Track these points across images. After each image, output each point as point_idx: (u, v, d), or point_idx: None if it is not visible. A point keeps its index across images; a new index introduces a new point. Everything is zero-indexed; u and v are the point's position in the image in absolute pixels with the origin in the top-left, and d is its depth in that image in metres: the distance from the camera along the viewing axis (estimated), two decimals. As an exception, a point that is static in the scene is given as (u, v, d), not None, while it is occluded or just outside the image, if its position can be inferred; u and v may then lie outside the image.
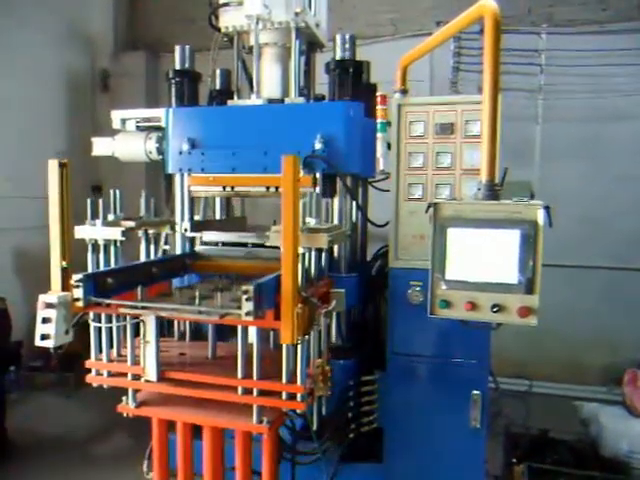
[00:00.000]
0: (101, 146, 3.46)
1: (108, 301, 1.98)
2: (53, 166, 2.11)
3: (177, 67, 3.12)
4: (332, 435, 2.54)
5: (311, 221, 2.23)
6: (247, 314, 1.75)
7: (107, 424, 4.84)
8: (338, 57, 2.82)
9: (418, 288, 2.61)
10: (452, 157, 2.56)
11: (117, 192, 2.50)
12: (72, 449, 4.59)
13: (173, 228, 2.74)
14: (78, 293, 1.94)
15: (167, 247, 3.09)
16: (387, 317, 2.75)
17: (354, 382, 2.74)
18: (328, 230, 2.15)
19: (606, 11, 5.44)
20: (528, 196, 4.14)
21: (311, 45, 3.29)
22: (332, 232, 2.15)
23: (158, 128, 3.21)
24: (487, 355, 2.61)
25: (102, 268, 2.30)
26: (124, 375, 2.18)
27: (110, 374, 2.21)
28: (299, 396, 1.97)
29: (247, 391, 2.02)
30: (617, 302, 5.42)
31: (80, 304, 1.94)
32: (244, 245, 2.87)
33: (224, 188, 2.88)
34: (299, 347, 1.94)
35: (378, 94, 2.64)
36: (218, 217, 3.52)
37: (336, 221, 2.81)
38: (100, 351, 2.22)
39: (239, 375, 2.00)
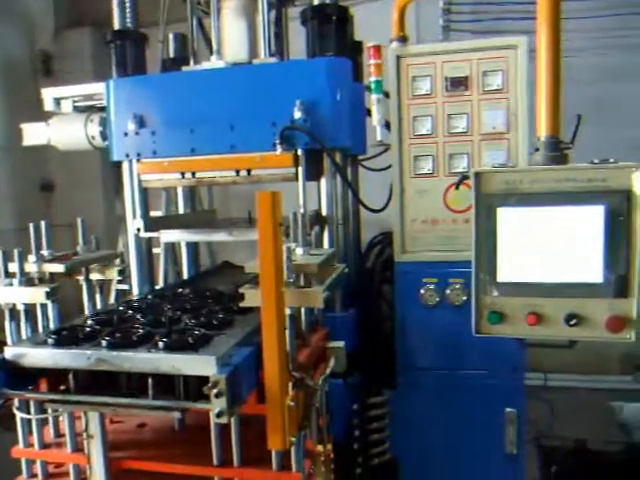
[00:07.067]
0: (33, 134, 2.91)
1: (29, 395, 1.59)
2: None
3: (116, 27, 2.52)
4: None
5: (298, 250, 1.68)
6: (219, 415, 1.29)
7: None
8: (316, 2, 2.26)
9: (433, 286, 2.13)
10: (468, 119, 2.08)
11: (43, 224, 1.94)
12: None
13: (122, 273, 2.15)
14: None
15: (125, 287, 2.54)
16: (395, 322, 2.25)
17: (359, 406, 2.23)
18: (322, 277, 1.60)
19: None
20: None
21: (282, -2, 2.74)
22: (327, 281, 1.63)
23: (101, 109, 2.66)
24: (522, 365, 2.13)
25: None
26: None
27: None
28: None
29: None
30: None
31: None
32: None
33: (183, 175, 2.36)
34: None
35: (369, 45, 2.10)
36: (182, 211, 2.94)
37: (324, 209, 2.28)
38: (31, 432, 1.78)
39: (215, 462, 1.61)
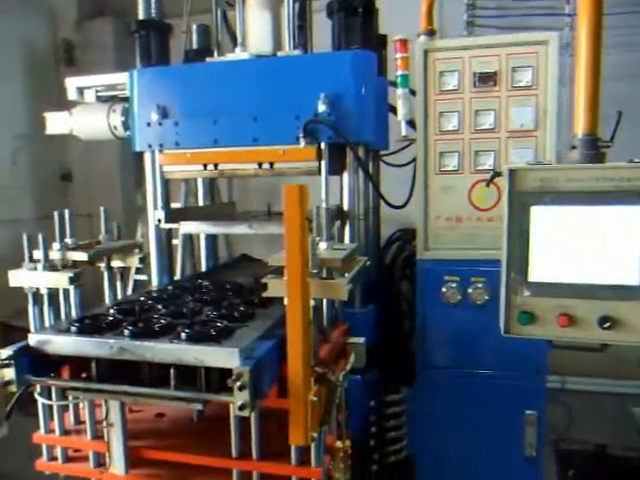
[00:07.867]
0: (56, 123, 2.92)
1: (51, 382, 1.60)
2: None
3: (141, 17, 2.51)
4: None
5: (322, 245, 1.65)
6: (242, 408, 1.29)
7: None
8: (343, -7, 2.23)
9: (455, 284, 2.10)
10: (495, 116, 2.03)
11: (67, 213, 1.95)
12: None
13: (143, 261, 2.15)
14: (9, 374, 1.48)
15: (143, 277, 2.54)
16: (415, 319, 2.22)
17: (377, 403, 2.21)
18: (345, 271, 1.59)
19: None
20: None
21: (306, -9, 2.71)
22: (351, 273, 1.62)
23: (124, 99, 2.66)
24: (544, 366, 2.09)
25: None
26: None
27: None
28: None
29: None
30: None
31: (13, 388, 1.50)
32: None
33: (205, 167, 2.34)
34: None
35: (396, 38, 2.07)
36: (202, 203, 2.93)
37: (346, 203, 2.25)
38: (51, 417, 1.79)
39: (233, 454, 1.60)
